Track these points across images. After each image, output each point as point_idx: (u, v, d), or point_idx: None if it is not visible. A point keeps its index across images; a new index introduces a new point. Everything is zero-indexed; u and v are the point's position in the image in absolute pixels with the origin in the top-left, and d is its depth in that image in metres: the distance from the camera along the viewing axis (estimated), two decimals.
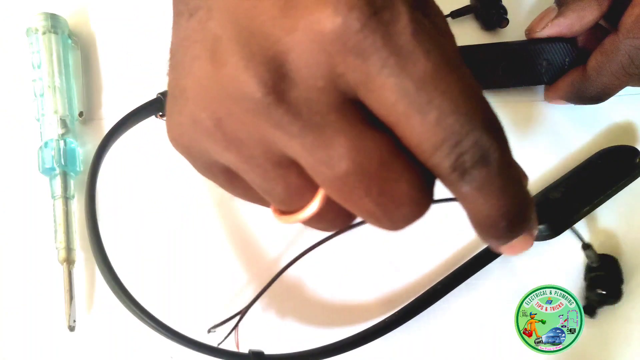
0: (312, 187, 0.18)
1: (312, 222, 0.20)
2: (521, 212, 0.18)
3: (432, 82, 0.15)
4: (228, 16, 0.17)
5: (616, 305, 0.36)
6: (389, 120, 0.16)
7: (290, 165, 0.18)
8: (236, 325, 0.34)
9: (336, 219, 0.20)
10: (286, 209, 0.20)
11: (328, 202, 0.19)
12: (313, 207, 0.19)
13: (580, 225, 0.38)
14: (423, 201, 0.18)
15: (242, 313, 0.34)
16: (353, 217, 0.20)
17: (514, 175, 0.18)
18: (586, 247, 0.36)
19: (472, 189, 0.17)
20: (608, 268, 0.36)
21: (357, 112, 0.17)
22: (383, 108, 0.16)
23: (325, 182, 0.17)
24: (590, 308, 0.35)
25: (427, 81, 0.15)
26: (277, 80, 0.16)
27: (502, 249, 0.20)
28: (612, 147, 0.39)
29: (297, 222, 0.20)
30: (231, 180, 0.21)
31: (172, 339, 0.31)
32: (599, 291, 0.35)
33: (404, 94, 0.15)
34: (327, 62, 0.16)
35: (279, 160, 0.18)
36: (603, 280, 0.35)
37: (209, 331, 0.34)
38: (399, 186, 0.17)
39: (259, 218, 0.38)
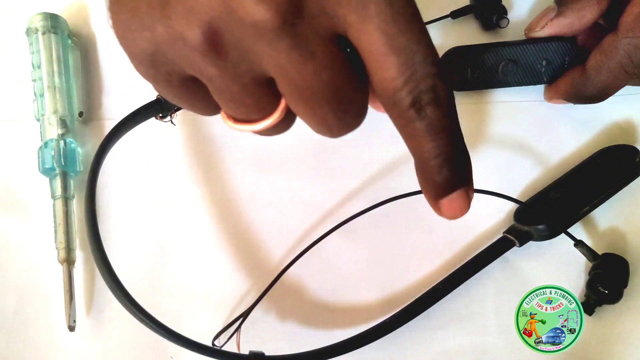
0: (276, 102, 0.21)
1: (264, 130, 0.23)
2: (462, 159, 0.22)
3: (409, 31, 0.19)
4: None
5: (615, 304, 0.36)
6: (367, 56, 0.20)
7: (266, 82, 0.20)
8: (238, 327, 0.34)
9: (282, 128, 0.23)
10: (245, 119, 0.22)
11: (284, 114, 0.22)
12: (275, 117, 0.22)
13: (582, 225, 0.38)
14: (364, 115, 0.22)
15: (244, 315, 0.34)
16: (292, 124, 0.24)
17: (456, 123, 0.21)
18: (577, 244, 0.36)
19: (423, 125, 0.20)
20: (611, 267, 0.36)
21: (336, 42, 0.20)
22: (367, 47, 0.19)
23: (300, 93, 0.20)
24: (589, 306, 0.35)
25: (406, 30, 0.19)
26: (291, 14, 0.18)
27: (442, 203, 0.22)
28: (612, 146, 0.39)
29: (252, 130, 0.22)
30: (189, 90, 0.22)
31: (173, 340, 0.31)
32: (600, 289, 0.35)
33: (386, 39, 0.19)
34: (336, 3, 0.19)
35: (259, 76, 0.20)
36: (605, 279, 0.35)
37: (213, 342, 0.34)
38: (355, 100, 0.21)
39: (259, 220, 0.38)
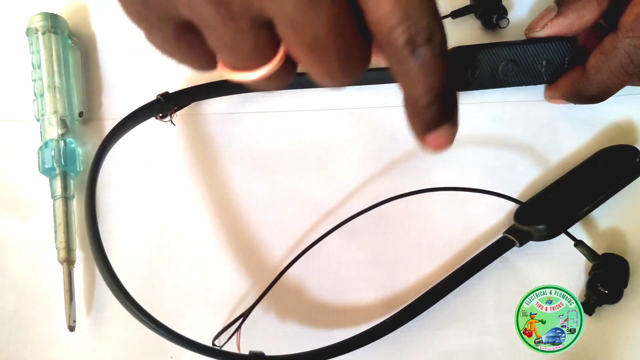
0: (275, 48, 0.21)
1: (262, 80, 0.22)
2: (451, 95, 0.22)
3: None
4: None
5: (615, 304, 0.36)
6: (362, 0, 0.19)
7: (265, 26, 0.20)
8: (238, 327, 0.34)
9: (282, 80, 0.23)
10: (240, 66, 0.22)
11: (283, 62, 0.22)
12: (274, 63, 0.21)
13: (585, 225, 0.38)
14: (368, 63, 0.22)
15: (244, 315, 0.34)
16: (292, 76, 0.23)
17: (447, 63, 0.21)
18: (577, 244, 0.36)
19: (417, 64, 0.20)
20: (611, 267, 0.36)
21: None
22: None
23: (303, 36, 0.20)
24: (589, 306, 0.35)
25: None
26: None
27: (428, 138, 0.23)
28: (612, 146, 0.39)
29: (250, 79, 0.22)
30: (184, 38, 0.21)
31: (173, 340, 0.31)
32: (600, 289, 0.35)
33: None
34: None
35: (256, 18, 0.20)
36: (605, 279, 0.35)
37: (213, 342, 0.34)
38: (358, 46, 0.21)
39: (258, 220, 0.39)
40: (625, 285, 0.35)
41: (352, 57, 0.21)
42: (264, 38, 0.20)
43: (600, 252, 0.36)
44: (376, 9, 0.19)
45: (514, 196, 0.38)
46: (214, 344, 0.34)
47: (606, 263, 0.36)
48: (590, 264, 0.36)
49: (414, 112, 0.22)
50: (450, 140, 0.23)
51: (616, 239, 0.38)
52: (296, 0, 0.19)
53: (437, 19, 0.20)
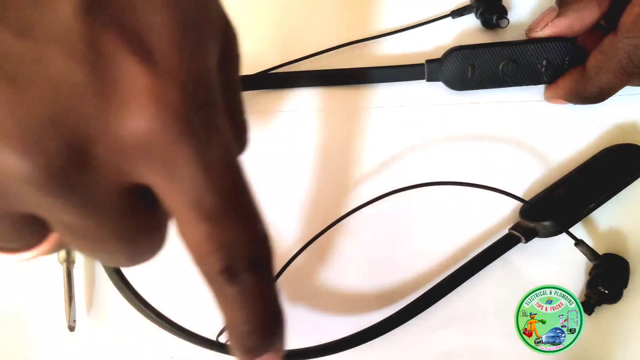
0: (44, 234, 0.18)
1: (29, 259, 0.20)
2: (275, 324, 0.20)
3: (224, 197, 0.16)
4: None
5: (615, 304, 0.36)
6: (173, 214, 0.17)
7: (32, 219, 0.17)
8: None
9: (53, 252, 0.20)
10: (5, 247, 0.19)
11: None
12: (42, 249, 0.19)
13: (586, 225, 0.38)
14: (162, 247, 0.20)
15: None
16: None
17: (274, 284, 0.19)
18: (578, 243, 0.36)
19: (235, 292, 0.18)
20: (612, 267, 0.36)
21: (132, 190, 0.17)
22: (172, 207, 0.16)
23: (83, 238, 0.17)
24: (589, 306, 0.35)
25: (221, 196, 0.16)
26: (65, 170, 0.15)
27: None
28: (616, 145, 0.39)
29: (21, 259, 0.19)
30: None
31: (178, 334, 0.31)
32: (600, 289, 0.35)
33: (195, 206, 0.16)
34: (132, 162, 0.15)
35: (23, 216, 0.17)
36: (605, 279, 0.35)
37: (217, 337, 0.34)
38: (151, 239, 0.18)
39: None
40: (625, 285, 0.35)
41: (143, 250, 0.19)
42: (31, 230, 0.18)
43: (600, 253, 0.36)
44: (187, 234, 0.17)
45: (516, 194, 0.38)
46: (218, 338, 0.34)
47: (607, 263, 0.36)
48: (590, 264, 0.36)
49: (234, 337, 0.19)
50: None
51: (616, 240, 0.38)
52: (76, 214, 0.16)
53: (264, 238, 0.18)
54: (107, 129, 0.15)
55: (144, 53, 0.14)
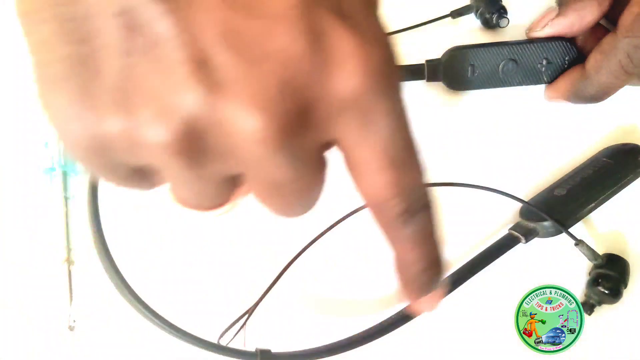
0: (234, 191, 0.20)
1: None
2: (440, 264, 0.22)
3: (405, 146, 0.19)
4: None
5: (614, 304, 0.36)
6: (358, 167, 0.19)
7: (233, 177, 0.19)
8: (244, 324, 0.34)
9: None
10: (194, 206, 0.20)
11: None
12: (231, 206, 0.21)
13: (586, 225, 0.38)
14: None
15: (250, 312, 0.34)
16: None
17: (438, 228, 0.21)
18: (578, 243, 0.36)
19: (411, 233, 0.20)
20: (612, 267, 0.36)
21: (324, 149, 0.19)
22: (359, 159, 0.19)
23: (272, 193, 0.19)
24: (589, 306, 0.35)
25: (402, 145, 0.19)
26: (288, 127, 0.17)
27: (419, 302, 0.23)
28: (616, 145, 0.39)
29: (204, 215, 0.21)
30: (135, 177, 0.19)
31: (180, 337, 0.31)
32: (600, 289, 0.35)
33: (383, 155, 0.18)
34: (336, 117, 0.18)
35: (228, 174, 0.18)
36: (605, 279, 0.35)
37: (218, 342, 0.34)
38: (318, 195, 0.20)
39: (262, 219, 0.38)
40: (625, 285, 0.35)
41: (311, 204, 0.21)
42: (227, 187, 0.19)
43: (600, 253, 0.36)
44: (371, 182, 0.19)
45: (516, 195, 0.38)
46: (219, 342, 0.34)
47: (607, 263, 0.36)
48: (590, 264, 0.36)
49: (406, 277, 0.22)
50: (439, 302, 0.23)
51: (616, 240, 0.38)
52: (279, 171, 0.17)
53: (428, 187, 0.20)
54: (326, 90, 0.17)
55: (351, 23, 0.17)
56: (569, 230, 0.36)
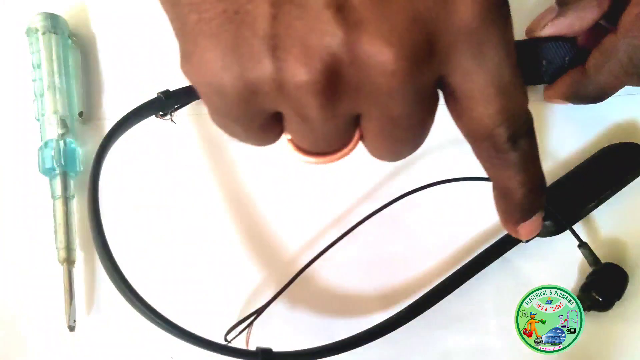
0: (353, 134, 0.21)
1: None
2: (543, 185, 0.23)
3: (513, 71, 0.20)
4: None
5: (603, 312, 0.35)
6: (468, 96, 0.20)
7: (355, 119, 0.20)
8: (250, 324, 0.34)
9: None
10: (314, 151, 0.22)
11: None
12: (348, 149, 0.22)
13: (589, 230, 0.38)
14: None
15: (258, 313, 0.34)
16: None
17: (538, 151, 0.22)
18: (582, 245, 0.36)
19: (517, 157, 0.21)
20: (610, 276, 0.36)
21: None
22: (471, 88, 0.20)
23: (391, 132, 0.20)
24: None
25: (511, 71, 0.20)
26: (418, 59, 0.18)
27: (521, 227, 0.24)
28: (616, 144, 0.39)
29: (325, 162, 0.22)
30: (265, 128, 0.21)
31: (180, 337, 0.31)
32: (594, 295, 0.35)
33: (496, 82, 0.20)
34: (453, 48, 0.19)
35: (354, 115, 0.20)
36: (601, 286, 0.35)
37: (225, 339, 0.34)
38: (427, 134, 0.21)
39: (265, 220, 0.38)
40: (619, 297, 0.35)
41: (420, 143, 0.22)
42: (349, 129, 0.21)
43: (602, 259, 0.36)
44: (481, 109, 0.20)
45: None
46: (226, 339, 0.34)
47: (606, 271, 0.36)
48: (589, 268, 0.36)
49: (508, 203, 0.23)
50: (540, 226, 0.24)
51: (617, 248, 0.38)
52: (404, 105, 0.19)
53: (529, 110, 0.21)
54: (447, 22, 0.18)
55: None
56: (573, 229, 0.36)
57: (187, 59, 0.19)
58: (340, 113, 0.19)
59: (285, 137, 0.22)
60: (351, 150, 0.22)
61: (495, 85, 0.20)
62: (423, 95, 0.19)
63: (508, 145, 0.21)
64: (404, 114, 0.19)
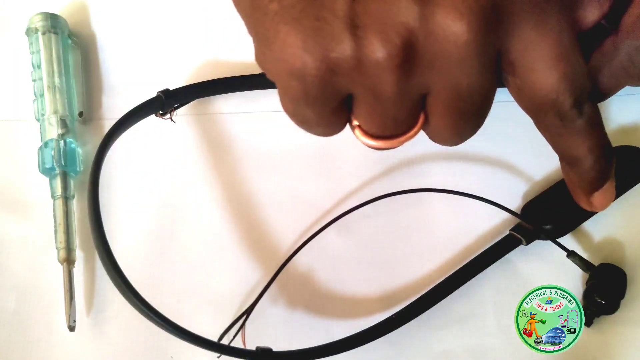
0: (418, 116, 0.22)
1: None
2: (611, 151, 0.23)
3: (572, 37, 0.21)
4: None
5: (612, 315, 0.35)
6: (531, 67, 0.20)
7: (421, 97, 0.21)
8: (242, 324, 0.34)
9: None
10: (382, 134, 0.22)
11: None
12: (414, 131, 0.22)
13: (581, 235, 0.38)
14: None
15: (247, 312, 0.34)
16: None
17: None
18: (570, 254, 0.36)
19: (583, 123, 0.21)
20: (607, 278, 0.36)
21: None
22: (534, 57, 0.20)
23: (458, 109, 0.20)
24: (587, 317, 0.35)
25: (570, 37, 0.20)
26: (487, 32, 0.19)
27: (595, 197, 0.24)
28: (616, 147, 0.39)
29: (392, 146, 0.22)
30: (336, 111, 0.21)
31: (181, 337, 0.30)
32: (597, 299, 0.35)
33: (560, 50, 0.20)
34: (516, 19, 0.19)
35: (423, 92, 0.20)
36: (601, 289, 0.35)
37: (219, 340, 0.34)
38: (486, 111, 0.21)
39: (261, 219, 0.39)
40: (622, 296, 0.35)
41: (482, 123, 0.22)
42: (417, 109, 0.21)
43: (597, 262, 0.36)
44: (544, 78, 0.20)
45: (517, 195, 0.38)
46: (220, 340, 0.34)
47: (601, 273, 0.36)
48: (586, 275, 0.36)
49: (578, 172, 0.23)
50: (613, 195, 0.24)
51: (614, 249, 0.37)
52: (473, 79, 0.19)
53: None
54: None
55: None
56: (566, 236, 0.36)
57: (268, 47, 0.19)
58: (413, 90, 0.20)
59: (349, 127, 0.23)
60: (416, 133, 0.22)
61: (556, 52, 0.20)
62: (490, 66, 0.20)
63: (573, 111, 0.21)
64: (473, 86, 0.19)
